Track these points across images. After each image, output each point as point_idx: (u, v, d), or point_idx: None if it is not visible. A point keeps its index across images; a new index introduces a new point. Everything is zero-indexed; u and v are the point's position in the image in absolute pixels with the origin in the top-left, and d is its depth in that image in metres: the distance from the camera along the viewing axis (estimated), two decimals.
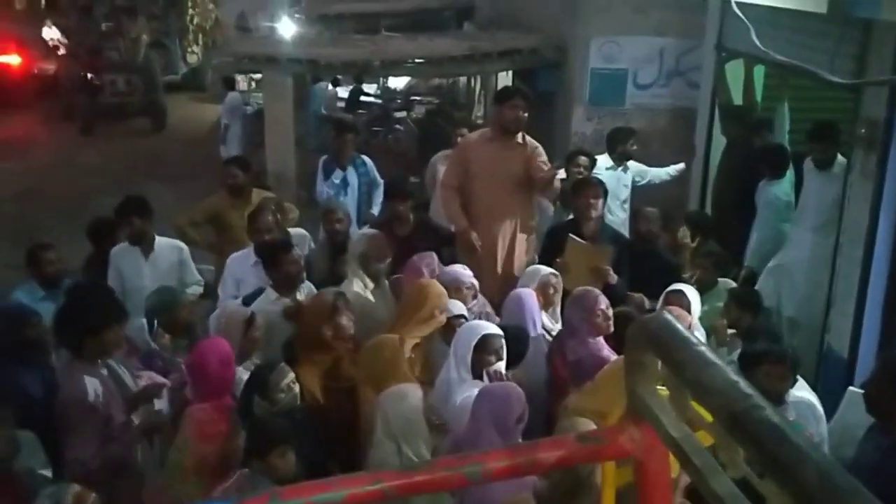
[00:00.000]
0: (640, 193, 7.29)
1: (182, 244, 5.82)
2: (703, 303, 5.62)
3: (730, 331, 5.19)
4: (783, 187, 6.40)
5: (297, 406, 3.79)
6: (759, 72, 7.17)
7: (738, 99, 7.39)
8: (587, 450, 1.49)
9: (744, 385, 1.08)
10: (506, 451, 1.46)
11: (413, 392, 3.60)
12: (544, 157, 5.80)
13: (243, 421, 3.62)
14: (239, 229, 5.86)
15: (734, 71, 7.38)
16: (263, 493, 1.32)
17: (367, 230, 5.54)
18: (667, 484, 1.48)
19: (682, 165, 7.68)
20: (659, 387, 1.40)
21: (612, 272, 5.35)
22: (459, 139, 6.70)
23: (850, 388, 4.76)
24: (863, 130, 5.05)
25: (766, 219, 6.43)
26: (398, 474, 1.44)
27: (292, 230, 5.84)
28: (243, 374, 4.07)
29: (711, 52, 7.33)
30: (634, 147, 7.23)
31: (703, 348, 1.19)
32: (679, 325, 1.26)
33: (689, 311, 4.74)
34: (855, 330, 5.12)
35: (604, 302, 4.40)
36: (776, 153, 6.49)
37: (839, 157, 5.78)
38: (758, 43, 5.22)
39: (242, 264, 5.34)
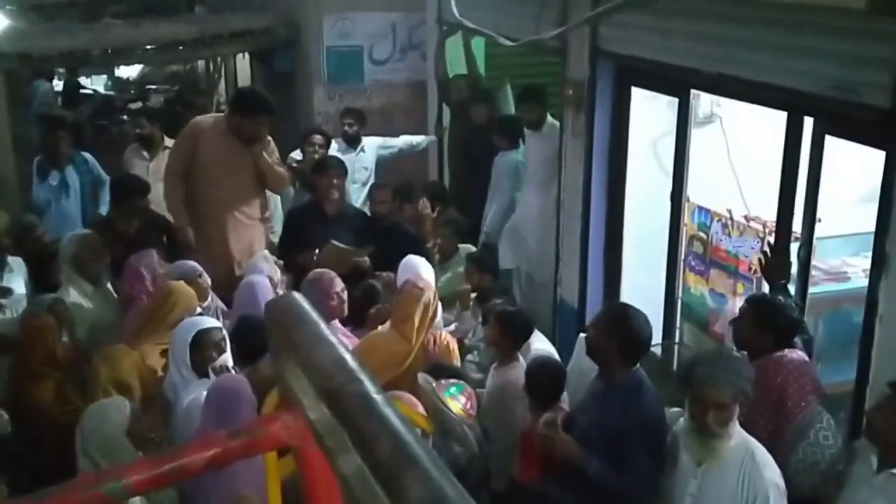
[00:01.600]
0: (385, 167, 7.34)
1: None
2: (446, 270, 5.78)
3: (473, 294, 5.37)
4: (518, 156, 6.63)
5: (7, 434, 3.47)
6: (478, 43, 7.40)
7: (462, 70, 7.56)
8: (240, 445, 1.41)
9: (349, 361, 1.05)
10: (149, 461, 1.35)
11: (116, 408, 3.34)
12: (275, 152, 5.68)
13: None
14: None
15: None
16: None
17: (78, 231, 5.13)
18: (328, 467, 1.45)
19: (433, 137, 7.83)
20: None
21: (366, 260, 5.37)
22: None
23: (581, 334, 5.07)
24: (570, 92, 5.35)
25: (505, 188, 6.58)
26: None
27: None
28: None
29: (434, 25, 7.48)
30: (354, 128, 7.20)
31: (318, 326, 1.14)
32: (302, 304, 1.21)
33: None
34: (582, 281, 5.46)
35: (339, 285, 4.36)
36: (509, 124, 6.62)
37: (549, 118, 6.10)
38: (455, 12, 5.37)
39: None
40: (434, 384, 2.89)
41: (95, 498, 1.35)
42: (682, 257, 5.14)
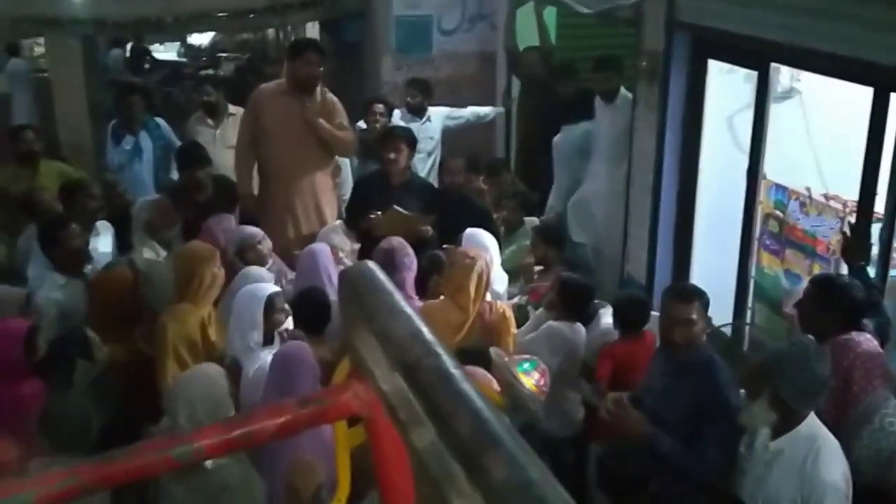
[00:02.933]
0: (452, 138, 7.27)
1: None
2: (511, 242, 5.72)
3: (538, 267, 5.31)
4: (588, 129, 6.42)
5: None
6: (550, 14, 7.25)
7: (532, 41, 7.41)
8: (309, 413, 1.40)
9: (426, 334, 1.02)
10: (218, 426, 1.35)
11: (217, 372, 3.34)
12: (343, 116, 5.65)
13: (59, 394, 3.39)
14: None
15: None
16: None
17: (149, 197, 5.21)
18: (398, 438, 1.43)
19: (500, 109, 7.73)
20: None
21: (429, 229, 5.34)
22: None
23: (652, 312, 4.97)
24: (644, 63, 5.21)
25: (574, 162, 6.37)
26: (96, 467, 1.30)
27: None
28: None
29: None
30: (417, 98, 7.10)
31: (394, 297, 1.11)
32: (377, 273, 1.18)
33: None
34: (650, 257, 5.35)
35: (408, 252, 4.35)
36: (584, 98, 6.40)
37: (622, 90, 5.95)
38: None
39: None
40: (507, 359, 2.87)
41: (163, 461, 1.36)
42: (757, 236, 4.99)
